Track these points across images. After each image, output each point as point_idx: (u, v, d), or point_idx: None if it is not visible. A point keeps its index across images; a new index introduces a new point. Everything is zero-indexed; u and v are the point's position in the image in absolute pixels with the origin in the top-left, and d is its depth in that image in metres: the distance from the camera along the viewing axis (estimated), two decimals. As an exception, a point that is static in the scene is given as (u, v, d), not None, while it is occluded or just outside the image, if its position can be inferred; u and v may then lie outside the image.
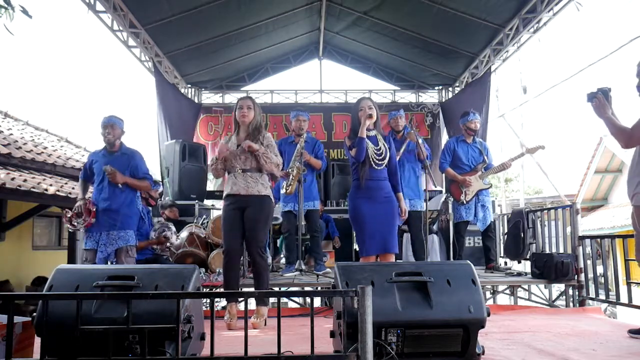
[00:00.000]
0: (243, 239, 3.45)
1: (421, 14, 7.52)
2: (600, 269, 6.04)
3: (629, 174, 2.93)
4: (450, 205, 5.95)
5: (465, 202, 5.04)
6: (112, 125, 3.97)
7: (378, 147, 3.53)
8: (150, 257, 4.80)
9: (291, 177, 4.63)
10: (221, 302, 6.32)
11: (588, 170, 14.18)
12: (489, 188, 5.16)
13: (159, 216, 5.68)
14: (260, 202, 3.42)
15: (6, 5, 3.30)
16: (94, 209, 3.87)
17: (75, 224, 3.86)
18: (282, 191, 4.77)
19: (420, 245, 4.89)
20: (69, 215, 3.90)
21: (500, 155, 9.63)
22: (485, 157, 5.16)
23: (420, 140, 4.75)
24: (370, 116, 3.46)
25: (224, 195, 3.48)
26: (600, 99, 2.85)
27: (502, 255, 6.05)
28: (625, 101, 3.06)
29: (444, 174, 5.48)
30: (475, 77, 8.87)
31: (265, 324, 3.40)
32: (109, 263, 3.84)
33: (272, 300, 5.89)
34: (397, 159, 4.68)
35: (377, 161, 3.50)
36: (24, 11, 3.40)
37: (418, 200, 4.92)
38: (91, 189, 4.18)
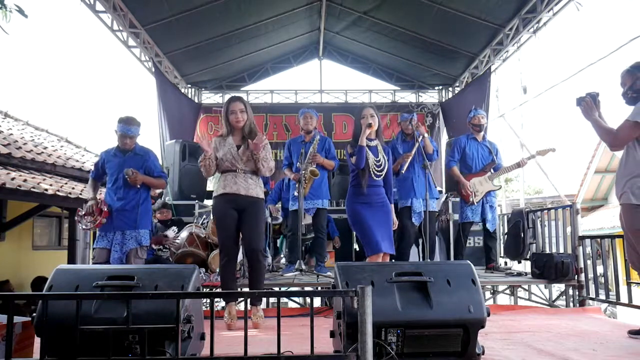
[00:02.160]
0: (239, 238, 3.46)
1: (421, 14, 7.52)
2: (600, 269, 6.02)
3: (617, 175, 3.01)
4: (450, 205, 5.93)
5: (474, 203, 5.01)
6: (131, 137, 3.97)
7: (378, 159, 3.64)
8: (150, 257, 4.81)
9: (304, 181, 4.62)
10: (221, 302, 6.31)
11: (588, 170, 14.16)
12: (498, 189, 5.13)
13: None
14: (259, 204, 3.47)
15: (1, 5, 3.30)
16: (106, 209, 3.85)
17: (87, 223, 3.85)
18: (295, 193, 4.76)
19: (433, 246, 4.83)
20: (81, 214, 3.90)
21: (500, 155, 9.60)
22: (495, 158, 5.11)
23: (426, 135, 4.74)
24: (370, 125, 3.56)
25: (219, 193, 3.43)
26: (588, 102, 2.96)
27: (502, 255, 6.05)
28: (623, 102, 3.07)
29: (449, 173, 5.35)
30: (475, 77, 8.87)
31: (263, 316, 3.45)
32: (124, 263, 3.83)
33: (272, 300, 5.90)
34: (409, 160, 4.69)
35: (376, 172, 3.63)
36: (20, 10, 3.40)
37: (433, 200, 4.79)
38: (102, 189, 4.15)
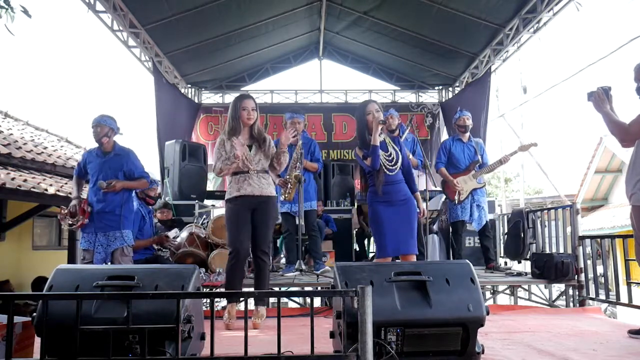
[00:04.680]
0: (250, 239, 3.46)
1: (421, 14, 7.52)
2: (600, 269, 6.03)
3: (627, 174, 2.95)
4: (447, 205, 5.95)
5: (459, 202, 5.04)
6: (98, 126, 3.91)
7: (388, 153, 3.53)
8: (150, 257, 4.80)
9: (289, 185, 4.62)
10: (221, 302, 6.31)
11: (588, 170, 14.17)
12: (483, 187, 5.15)
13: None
14: (271, 202, 3.48)
15: (6, 6, 3.31)
16: (89, 210, 3.85)
17: (70, 223, 3.85)
18: (281, 198, 4.74)
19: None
20: (63, 212, 3.88)
21: (501, 155, 9.62)
22: (480, 157, 5.14)
23: (411, 156, 4.84)
24: (384, 122, 3.47)
25: (233, 195, 3.40)
26: (599, 94, 2.91)
27: (502, 255, 6.05)
28: (625, 101, 3.07)
29: (438, 174, 5.44)
30: (476, 77, 8.87)
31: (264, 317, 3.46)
32: (108, 263, 3.83)
33: (272, 300, 5.90)
34: None
35: (389, 167, 3.51)
36: (25, 11, 3.41)
37: None
38: (86, 187, 4.14)
